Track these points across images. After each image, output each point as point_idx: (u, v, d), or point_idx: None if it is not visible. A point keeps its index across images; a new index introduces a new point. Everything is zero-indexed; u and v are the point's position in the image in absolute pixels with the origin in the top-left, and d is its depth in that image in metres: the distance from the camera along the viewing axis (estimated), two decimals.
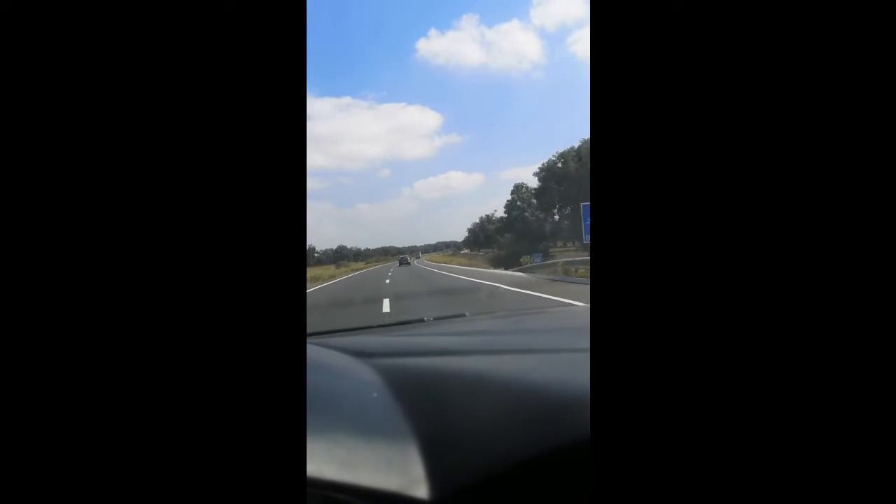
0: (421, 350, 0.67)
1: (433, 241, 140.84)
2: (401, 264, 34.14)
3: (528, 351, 0.62)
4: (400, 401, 0.38)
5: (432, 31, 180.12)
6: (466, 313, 1.15)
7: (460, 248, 78.32)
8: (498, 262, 26.82)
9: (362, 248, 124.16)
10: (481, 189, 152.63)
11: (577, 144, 37.93)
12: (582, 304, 2.18)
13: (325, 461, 0.29)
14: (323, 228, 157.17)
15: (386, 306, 6.27)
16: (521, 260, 19.68)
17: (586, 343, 0.30)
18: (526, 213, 42.21)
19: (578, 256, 14.04)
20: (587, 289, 0.50)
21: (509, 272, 13.97)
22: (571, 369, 0.43)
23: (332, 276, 21.75)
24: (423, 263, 35.08)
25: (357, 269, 32.64)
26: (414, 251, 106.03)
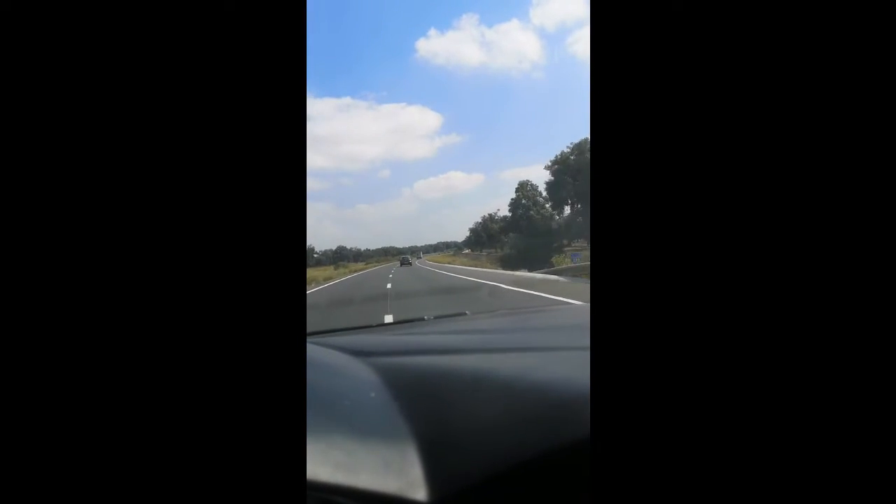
0: (420, 349, 0.65)
1: (433, 242, 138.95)
2: (402, 265, 33.60)
3: (528, 349, 0.61)
4: (398, 400, 0.38)
5: (432, 31, 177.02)
6: (467, 312, 1.13)
7: (461, 249, 77.02)
8: (507, 263, 24.45)
9: (362, 248, 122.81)
10: (482, 189, 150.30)
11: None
12: (581, 303, 2.08)
13: (321, 463, 0.28)
14: (323, 229, 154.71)
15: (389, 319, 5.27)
16: (552, 260, 16.79)
17: (586, 341, 0.30)
18: (531, 212, 39.95)
19: None
20: None
21: (540, 275, 11.03)
22: (572, 368, 0.43)
23: (329, 279, 19.61)
24: (425, 264, 33.68)
25: (356, 271, 31.04)
26: (414, 251, 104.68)
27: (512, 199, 42.72)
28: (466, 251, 61.85)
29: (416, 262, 38.57)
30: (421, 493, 0.28)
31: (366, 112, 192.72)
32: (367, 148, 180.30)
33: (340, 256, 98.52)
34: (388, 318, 5.51)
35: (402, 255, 48.80)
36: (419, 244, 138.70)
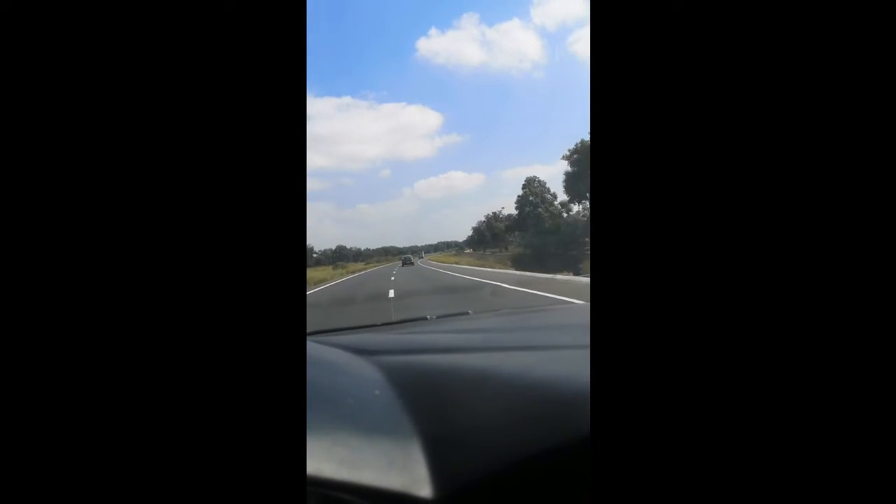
0: (423, 347, 0.66)
1: (434, 242, 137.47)
2: (404, 264, 32.82)
3: (529, 348, 0.61)
4: (402, 398, 0.38)
5: (432, 31, 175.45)
6: (470, 311, 1.13)
7: (462, 248, 74.89)
8: (520, 263, 21.73)
9: (363, 248, 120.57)
10: (482, 189, 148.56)
11: None
12: (582, 302, 2.06)
13: (326, 459, 0.29)
14: (324, 229, 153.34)
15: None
16: (581, 266, 13.45)
17: (587, 340, 0.30)
18: (540, 209, 37.50)
19: None
20: None
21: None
22: (573, 366, 0.43)
23: (322, 280, 17.12)
24: (428, 264, 31.65)
25: (354, 272, 28.73)
26: (415, 251, 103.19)
27: (518, 196, 40.76)
28: (468, 251, 60.01)
29: (418, 262, 36.40)
30: (425, 489, 0.28)
31: (366, 111, 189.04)
32: (367, 147, 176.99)
33: (340, 256, 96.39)
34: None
35: (404, 255, 47.08)
36: (420, 244, 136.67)
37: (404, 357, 0.56)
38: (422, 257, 62.47)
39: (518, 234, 37.43)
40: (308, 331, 0.65)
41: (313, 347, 0.56)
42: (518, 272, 13.19)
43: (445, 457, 0.30)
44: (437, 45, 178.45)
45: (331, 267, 43.48)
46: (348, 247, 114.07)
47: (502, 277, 10.21)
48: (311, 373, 0.30)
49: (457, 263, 26.72)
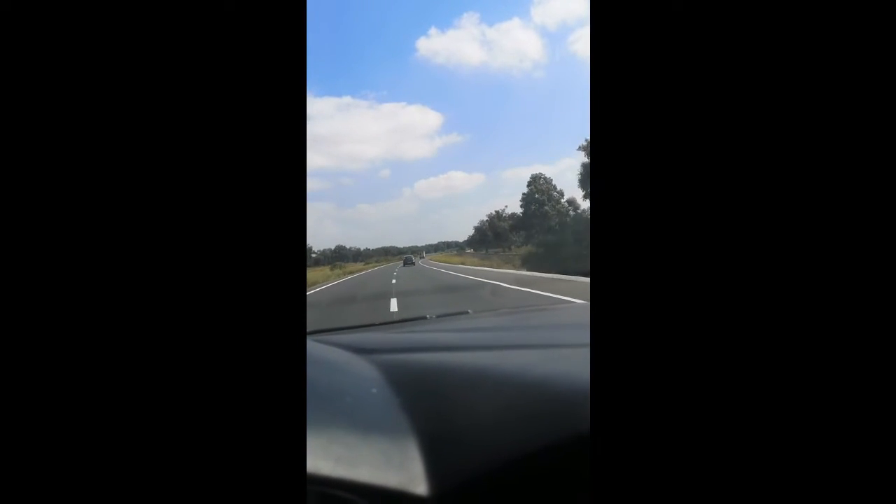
0: (421, 346, 0.66)
1: (434, 242, 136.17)
2: (405, 265, 32.11)
3: (528, 346, 0.61)
4: (400, 396, 0.38)
5: (433, 30, 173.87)
6: (469, 311, 1.14)
7: (463, 248, 72.89)
8: (531, 264, 19.38)
9: (363, 248, 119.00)
10: (482, 189, 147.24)
11: None
12: (582, 302, 2.08)
13: (323, 457, 0.29)
14: (324, 229, 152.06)
15: None
16: None
17: (587, 339, 0.30)
18: (546, 207, 35.25)
19: None
20: None
21: None
22: (572, 364, 0.43)
23: (314, 283, 14.93)
24: (429, 264, 29.35)
25: (352, 273, 26.49)
26: (416, 251, 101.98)
27: (524, 194, 39.24)
28: (469, 251, 58.12)
29: (420, 263, 34.33)
30: (421, 487, 0.28)
31: (366, 111, 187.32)
32: (367, 147, 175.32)
33: (339, 256, 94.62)
34: None
35: (405, 255, 45.62)
36: (420, 244, 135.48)
37: (402, 355, 0.56)
38: (423, 257, 61.89)
39: (524, 234, 35.30)
40: (307, 330, 0.63)
41: (312, 346, 0.56)
42: (548, 274, 10.82)
43: (442, 454, 0.30)
44: (437, 45, 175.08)
45: (328, 268, 41.42)
46: (348, 247, 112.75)
47: (534, 282, 7.90)
48: (310, 371, 0.31)
49: (462, 264, 24.81)
